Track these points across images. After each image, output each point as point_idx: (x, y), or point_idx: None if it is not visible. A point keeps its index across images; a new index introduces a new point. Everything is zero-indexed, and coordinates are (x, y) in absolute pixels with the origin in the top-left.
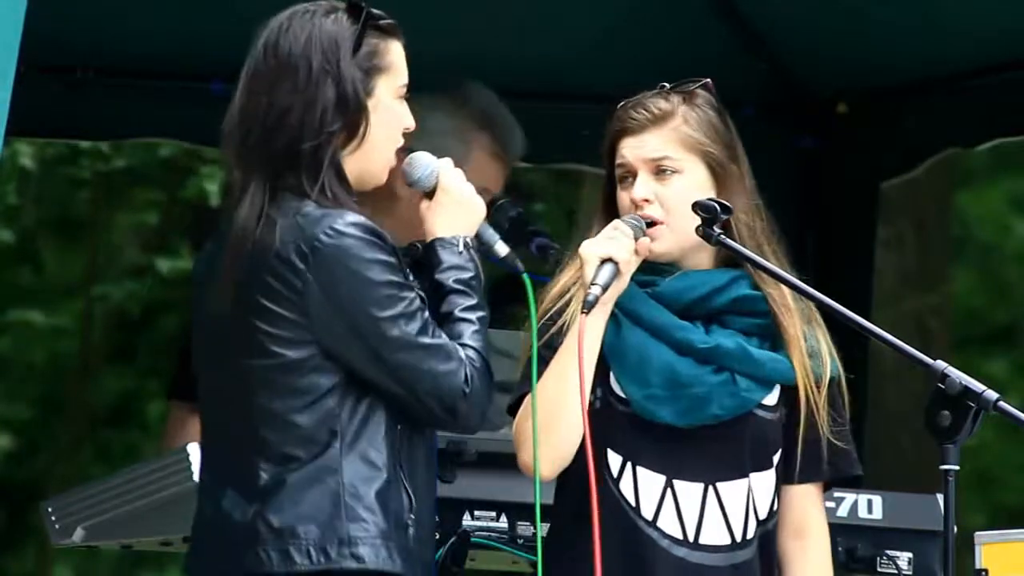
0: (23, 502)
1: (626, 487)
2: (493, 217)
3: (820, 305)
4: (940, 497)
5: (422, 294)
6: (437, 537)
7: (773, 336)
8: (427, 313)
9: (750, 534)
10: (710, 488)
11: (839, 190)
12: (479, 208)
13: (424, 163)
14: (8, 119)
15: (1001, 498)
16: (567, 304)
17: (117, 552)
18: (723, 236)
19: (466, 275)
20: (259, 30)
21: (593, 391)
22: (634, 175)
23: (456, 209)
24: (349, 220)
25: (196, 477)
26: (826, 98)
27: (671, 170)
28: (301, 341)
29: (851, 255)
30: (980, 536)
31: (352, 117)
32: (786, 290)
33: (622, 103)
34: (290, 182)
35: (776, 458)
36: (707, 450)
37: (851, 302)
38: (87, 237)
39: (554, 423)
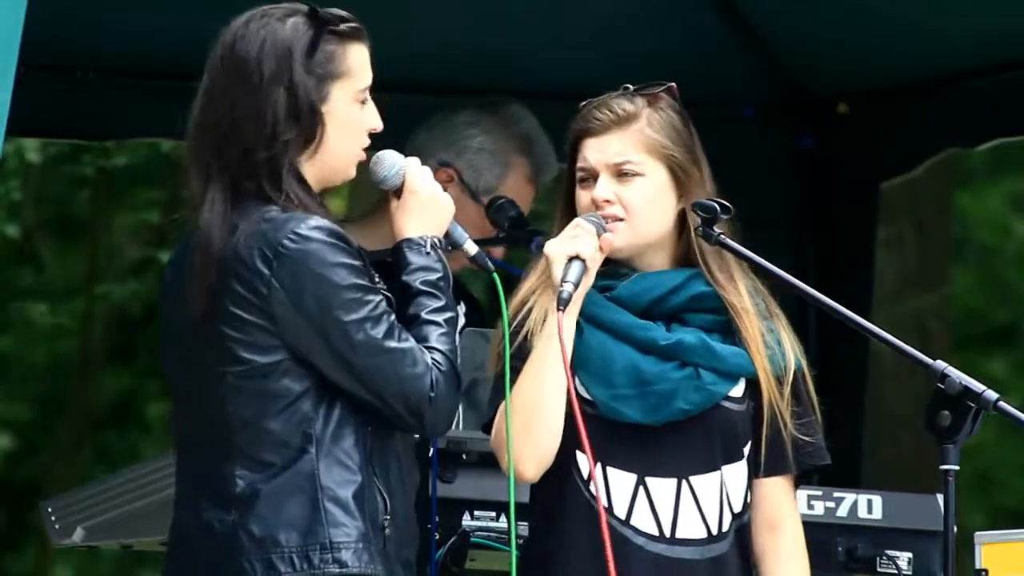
0: (23, 502)
1: (599, 487)
2: (493, 217)
3: (820, 305)
4: (940, 497)
5: (389, 295)
6: (437, 537)
7: (733, 332)
8: (393, 316)
9: (725, 526)
10: (683, 482)
11: (839, 190)
12: (447, 207)
13: (390, 162)
14: (9, 118)
15: (1001, 498)
16: (529, 311)
17: (117, 552)
18: (723, 236)
19: (433, 276)
20: (221, 32)
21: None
22: (595, 176)
23: (423, 209)
24: (312, 224)
25: None
26: (826, 98)
27: (632, 173)
28: (270, 346)
29: (851, 255)
30: (980, 536)
31: (306, 124)
32: (743, 288)
33: (585, 103)
34: (250, 188)
35: (746, 450)
36: (677, 445)
37: (851, 302)
38: (88, 236)
39: (535, 424)
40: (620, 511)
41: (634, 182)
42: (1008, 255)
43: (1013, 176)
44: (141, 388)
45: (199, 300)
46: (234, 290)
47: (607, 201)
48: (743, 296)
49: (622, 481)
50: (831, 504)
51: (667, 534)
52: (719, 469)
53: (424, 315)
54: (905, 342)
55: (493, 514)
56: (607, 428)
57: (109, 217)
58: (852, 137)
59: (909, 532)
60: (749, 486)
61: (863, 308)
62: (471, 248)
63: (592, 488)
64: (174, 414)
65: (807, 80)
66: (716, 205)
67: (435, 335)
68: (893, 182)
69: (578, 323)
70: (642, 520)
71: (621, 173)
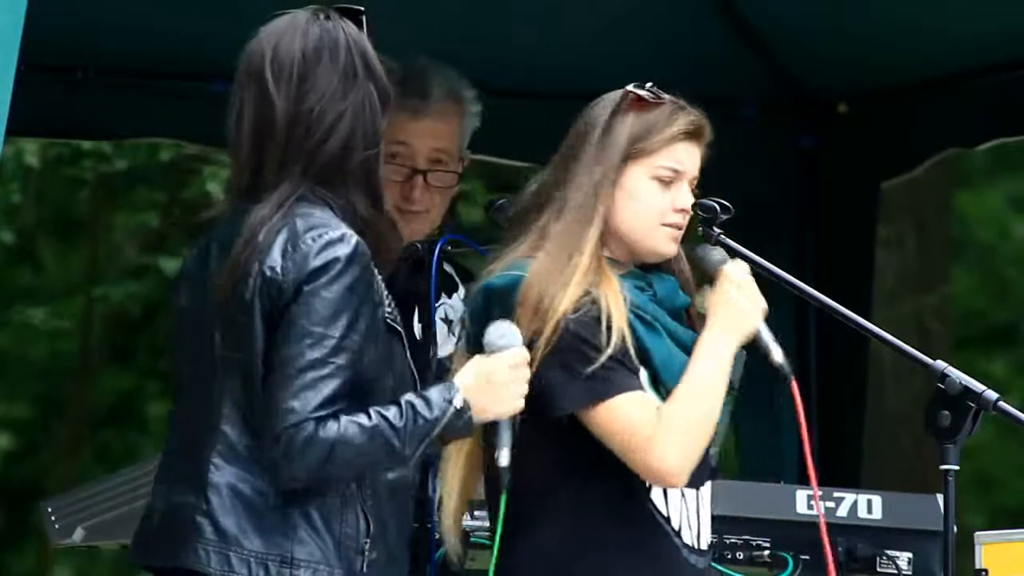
0: (23, 502)
1: (657, 498)
2: (492, 217)
3: (820, 305)
4: (940, 497)
5: (388, 309)
6: (437, 536)
7: None
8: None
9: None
10: (697, 493)
11: (839, 190)
12: (510, 405)
13: (506, 340)
14: (9, 119)
15: (1001, 498)
16: (607, 304)
17: (117, 552)
18: (723, 235)
19: (422, 421)
20: (282, 32)
21: None
22: (679, 183)
23: (495, 392)
24: (337, 235)
25: None
26: (826, 98)
27: (692, 184)
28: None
29: (851, 255)
30: (980, 536)
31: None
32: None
33: (682, 103)
34: (320, 190)
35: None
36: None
37: (851, 302)
38: (87, 237)
39: (705, 441)
40: (676, 522)
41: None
42: (1008, 255)
43: (1013, 176)
44: (141, 388)
45: (224, 286)
46: (251, 279)
47: (686, 211)
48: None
49: (673, 492)
50: (831, 504)
51: (695, 545)
52: (712, 477)
53: (380, 410)
54: (905, 342)
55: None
56: None
57: (108, 218)
58: (852, 137)
59: (909, 532)
60: None
61: (863, 308)
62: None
63: (653, 499)
64: (173, 400)
65: (807, 80)
66: (716, 205)
67: (363, 423)
68: (893, 182)
69: (652, 325)
70: (684, 531)
71: (692, 182)
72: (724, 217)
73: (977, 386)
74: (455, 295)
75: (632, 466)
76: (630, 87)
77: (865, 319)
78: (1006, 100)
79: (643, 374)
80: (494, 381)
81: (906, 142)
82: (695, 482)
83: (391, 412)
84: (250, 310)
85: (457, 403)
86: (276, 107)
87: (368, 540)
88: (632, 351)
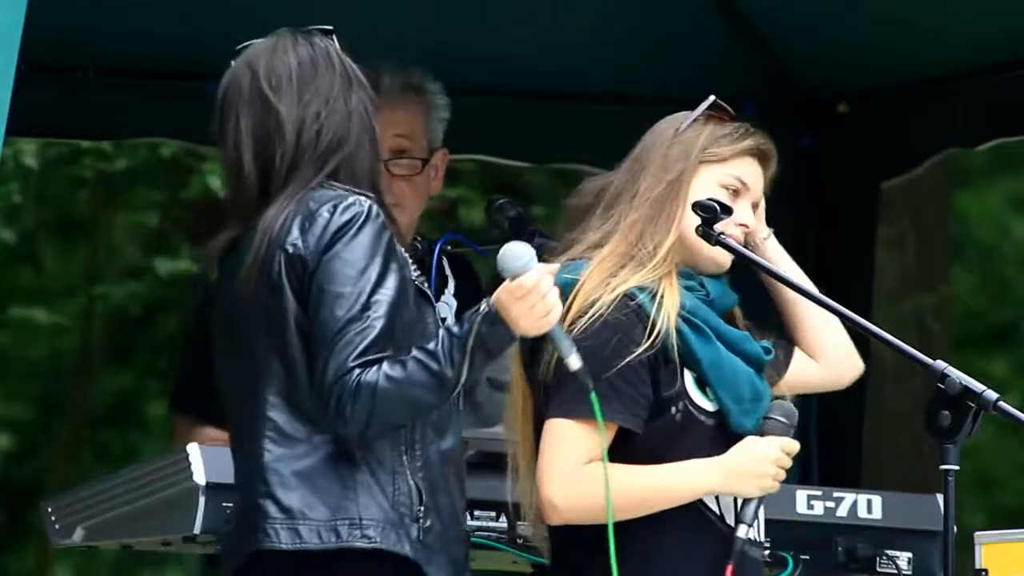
0: (23, 502)
1: (709, 497)
2: (492, 217)
3: (820, 305)
4: (940, 497)
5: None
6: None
7: None
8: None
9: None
10: None
11: (839, 190)
12: (552, 316)
13: (524, 260)
14: (9, 119)
15: (1001, 498)
16: (661, 301)
17: (117, 552)
18: (723, 236)
19: (460, 342)
20: (265, 51)
21: (674, 404)
22: (741, 197)
23: (530, 306)
24: (351, 200)
25: (196, 477)
26: (826, 98)
27: (754, 203)
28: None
29: (851, 255)
30: (980, 536)
31: None
32: None
33: (747, 125)
34: (327, 182)
35: None
36: None
37: (851, 302)
38: (87, 237)
39: (627, 514)
40: (730, 518)
41: (756, 214)
42: (1008, 255)
43: (1013, 176)
44: (140, 388)
45: (250, 276)
46: (276, 262)
47: (745, 227)
48: None
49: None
50: (831, 504)
51: (756, 538)
52: None
53: (417, 347)
54: (905, 342)
55: (493, 514)
56: (720, 438)
57: (109, 218)
58: (852, 137)
59: (909, 532)
60: None
61: (863, 308)
62: (574, 363)
63: (705, 498)
64: (221, 393)
65: (807, 80)
66: (716, 205)
67: (402, 360)
68: (893, 182)
69: (701, 329)
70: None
71: (755, 206)
72: (724, 217)
73: (977, 386)
74: (446, 291)
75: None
76: (711, 99)
77: (865, 319)
78: (1006, 100)
79: (688, 376)
80: (521, 296)
81: (906, 142)
82: None
83: (428, 344)
84: (280, 291)
85: (483, 308)
86: (281, 114)
87: (422, 508)
88: (676, 353)
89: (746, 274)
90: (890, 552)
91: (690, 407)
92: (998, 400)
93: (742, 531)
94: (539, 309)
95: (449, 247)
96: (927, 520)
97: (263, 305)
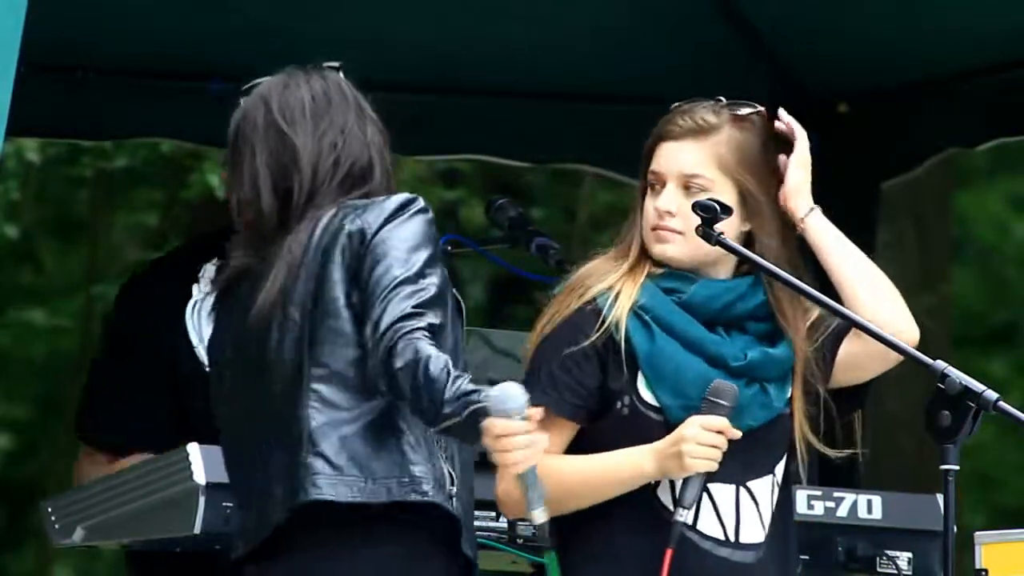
0: (23, 502)
1: (663, 493)
2: (493, 217)
3: (820, 305)
4: (940, 497)
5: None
6: None
7: (776, 336)
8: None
9: (777, 520)
10: (741, 488)
11: (839, 190)
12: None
13: (518, 404)
14: (9, 118)
15: (1001, 498)
16: (617, 296)
17: (117, 552)
18: (723, 236)
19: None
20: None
21: (620, 398)
22: (663, 184)
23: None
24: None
25: (196, 477)
26: (826, 98)
27: (700, 188)
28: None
29: None
30: (980, 536)
31: None
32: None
33: (674, 105)
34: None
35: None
36: (737, 454)
37: None
38: (87, 237)
39: (566, 507)
40: (687, 516)
41: (699, 197)
42: (1008, 255)
43: (1013, 176)
44: None
45: (272, 301)
46: (330, 250)
47: (668, 213)
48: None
49: (692, 488)
50: (831, 504)
51: (731, 538)
52: (773, 472)
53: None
54: None
55: (493, 514)
56: (671, 431)
57: (108, 217)
58: (852, 137)
59: (909, 532)
60: (787, 468)
61: None
62: (538, 517)
63: (660, 494)
64: (222, 406)
65: (807, 80)
66: (716, 205)
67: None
68: (893, 182)
69: (650, 327)
70: (708, 525)
71: (688, 186)
72: (724, 217)
73: (977, 386)
74: None
75: None
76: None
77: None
78: (1006, 100)
79: (640, 373)
80: (499, 436)
81: (906, 142)
82: (735, 478)
83: (459, 366)
84: (327, 262)
85: (475, 405)
86: (296, 145)
87: (454, 488)
88: (623, 348)
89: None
90: (890, 552)
91: (636, 402)
92: (998, 400)
93: (680, 515)
94: (512, 456)
95: (449, 247)
96: (927, 520)
97: (304, 299)
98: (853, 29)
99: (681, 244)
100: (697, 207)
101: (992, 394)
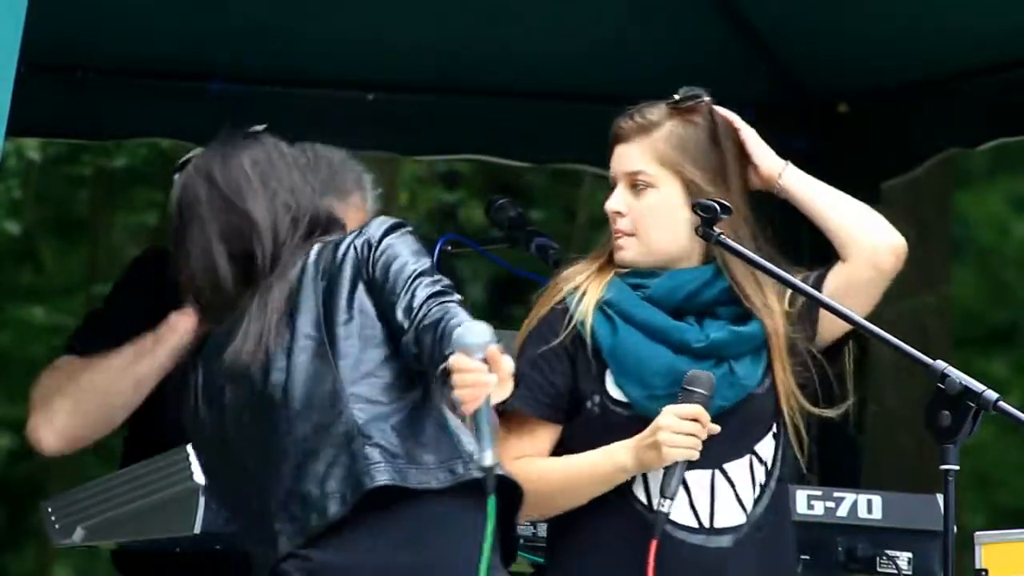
0: (23, 502)
1: (638, 488)
2: (493, 217)
3: (820, 305)
4: (940, 497)
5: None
6: None
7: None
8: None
9: (759, 501)
10: (717, 472)
11: (839, 190)
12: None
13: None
14: (9, 118)
15: (1001, 498)
16: (582, 296)
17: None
18: (723, 236)
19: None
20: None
21: (590, 398)
22: (615, 186)
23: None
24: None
25: (196, 477)
26: (826, 98)
27: (644, 184)
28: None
29: None
30: (980, 536)
31: None
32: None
33: (630, 110)
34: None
35: (774, 425)
36: (712, 437)
37: None
38: (87, 236)
39: (550, 510)
40: (670, 506)
41: (646, 194)
42: (1008, 255)
43: (1013, 176)
44: None
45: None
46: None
47: (617, 213)
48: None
49: (660, 477)
50: (831, 504)
51: (706, 525)
52: (753, 452)
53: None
54: (905, 342)
55: None
56: (642, 428)
57: (109, 217)
58: (852, 137)
59: (909, 532)
60: (779, 452)
61: None
62: (487, 459)
63: (635, 488)
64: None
65: (807, 80)
66: (716, 205)
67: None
68: (893, 182)
69: (613, 320)
70: (681, 514)
71: (634, 184)
72: (724, 217)
73: (977, 386)
74: None
75: None
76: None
77: (865, 319)
78: (1006, 100)
79: (608, 374)
80: (461, 370)
81: (906, 142)
82: (710, 462)
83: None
84: (336, 277)
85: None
86: (249, 211)
87: None
88: (590, 346)
89: (786, 210)
90: (890, 552)
91: (605, 400)
92: (998, 400)
93: (663, 505)
94: (461, 392)
95: (449, 247)
96: (927, 520)
97: (315, 317)
98: (853, 29)
99: (634, 246)
100: (697, 207)
101: (992, 394)
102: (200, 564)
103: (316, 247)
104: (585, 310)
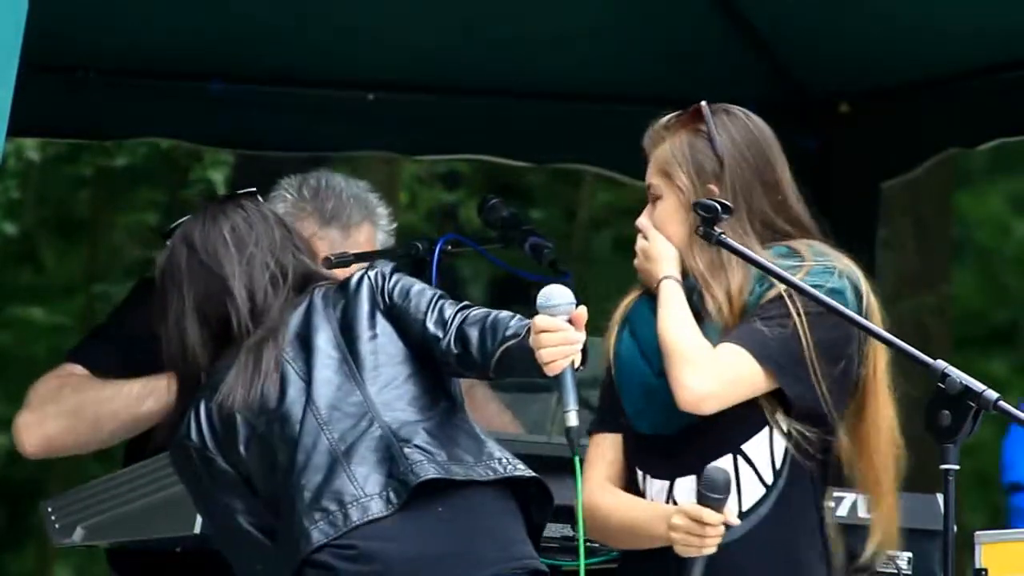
0: (23, 502)
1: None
2: (485, 217)
3: (820, 305)
4: (940, 497)
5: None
6: None
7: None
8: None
9: (756, 498)
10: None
11: (839, 190)
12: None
13: (567, 301)
14: (9, 118)
15: (1001, 498)
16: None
17: None
18: (723, 236)
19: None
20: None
21: (622, 411)
22: (650, 203)
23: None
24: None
25: None
26: (826, 98)
27: (654, 197)
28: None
29: (851, 255)
30: (980, 536)
31: None
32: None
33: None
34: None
35: (771, 417)
36: (694, 444)
37: None
38: (87, 236)
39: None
40: None
41: (657, 206)
42: (1008, 256)
43: (1013, 176)
44: None
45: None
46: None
47: (640, 232)
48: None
49: (659, 489)
50: (831, 504)
51: None
52: (739, 450)
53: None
54: (905, 342)
55: None
56: (641, 440)
57: (109, 217)
58: (852, 137)
59: (909, 532)
60: (777, 452)
61: None
62: (571, 419)
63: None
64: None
65: (808, 80)
66: (717, 205)
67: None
68: (893, 182)
69: (623, 337)
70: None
71: (652, 198)
72: (725, 217)
73: (977, 386)
74: None
75: None
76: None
77: (865, 319)
78: (1006, 100)
79: None
80: (548, 330)
81: (906, 142)
82: (694, 469)
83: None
84: (353, 305)
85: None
86: (224, 275)
87: None
88: (615, 365)
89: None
90: (890, 552)
91: (624, 415)
92: (998, 400)
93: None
94: (547, 352)
95: (449, 247)
96: (927, 520)
97: (335, 338)
98: (853, 29)
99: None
100: (698, 207)
101: (992, 394)
102: (200, 564)
103: (319, 291)
104: (612, 330)
